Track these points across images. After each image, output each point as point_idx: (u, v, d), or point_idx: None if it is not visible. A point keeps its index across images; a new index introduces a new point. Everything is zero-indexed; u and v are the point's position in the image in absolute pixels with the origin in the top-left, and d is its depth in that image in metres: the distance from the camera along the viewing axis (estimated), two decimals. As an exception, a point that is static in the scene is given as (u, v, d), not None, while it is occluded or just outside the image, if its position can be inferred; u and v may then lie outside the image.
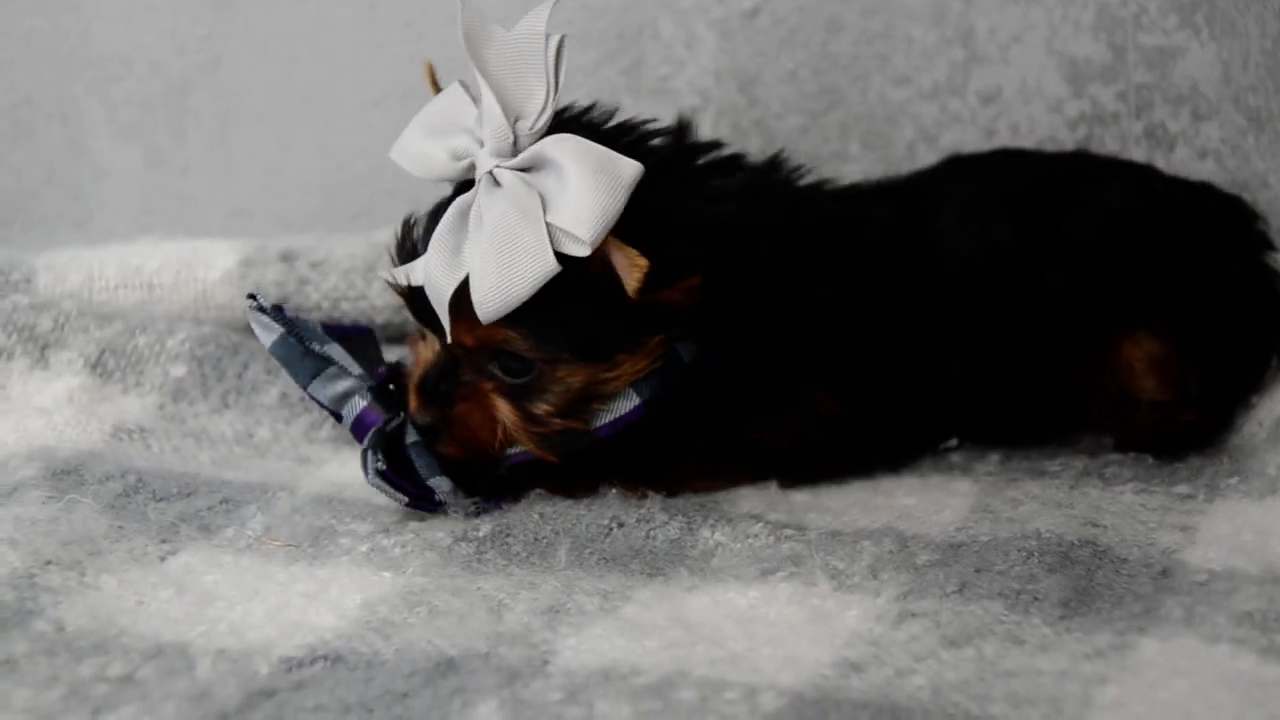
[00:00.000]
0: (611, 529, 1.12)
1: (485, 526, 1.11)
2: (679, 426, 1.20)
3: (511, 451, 1.17)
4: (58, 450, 1.25)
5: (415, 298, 1.16)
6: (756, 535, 1.09)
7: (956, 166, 1.40)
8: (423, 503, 1.15)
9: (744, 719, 0.83)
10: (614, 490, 1.17)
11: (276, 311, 1.22)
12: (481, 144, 1.13)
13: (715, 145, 1.24)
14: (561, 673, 0.88)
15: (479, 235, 1.09)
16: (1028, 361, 1.29)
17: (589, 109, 1.20)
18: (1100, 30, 1.56)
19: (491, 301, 1.08)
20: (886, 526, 1.11)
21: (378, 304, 1.49)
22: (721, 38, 1.61)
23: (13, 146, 1.74)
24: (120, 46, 1.71)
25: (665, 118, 1.25)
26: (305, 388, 1.20)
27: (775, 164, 1.28)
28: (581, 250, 1.07)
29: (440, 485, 1.15)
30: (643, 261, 1.08)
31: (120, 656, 0.90)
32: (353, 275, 1.49)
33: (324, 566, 1.06)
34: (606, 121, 1.19)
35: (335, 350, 1.21)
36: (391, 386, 1.21)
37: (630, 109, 1.60)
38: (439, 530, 1.11)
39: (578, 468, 1.18)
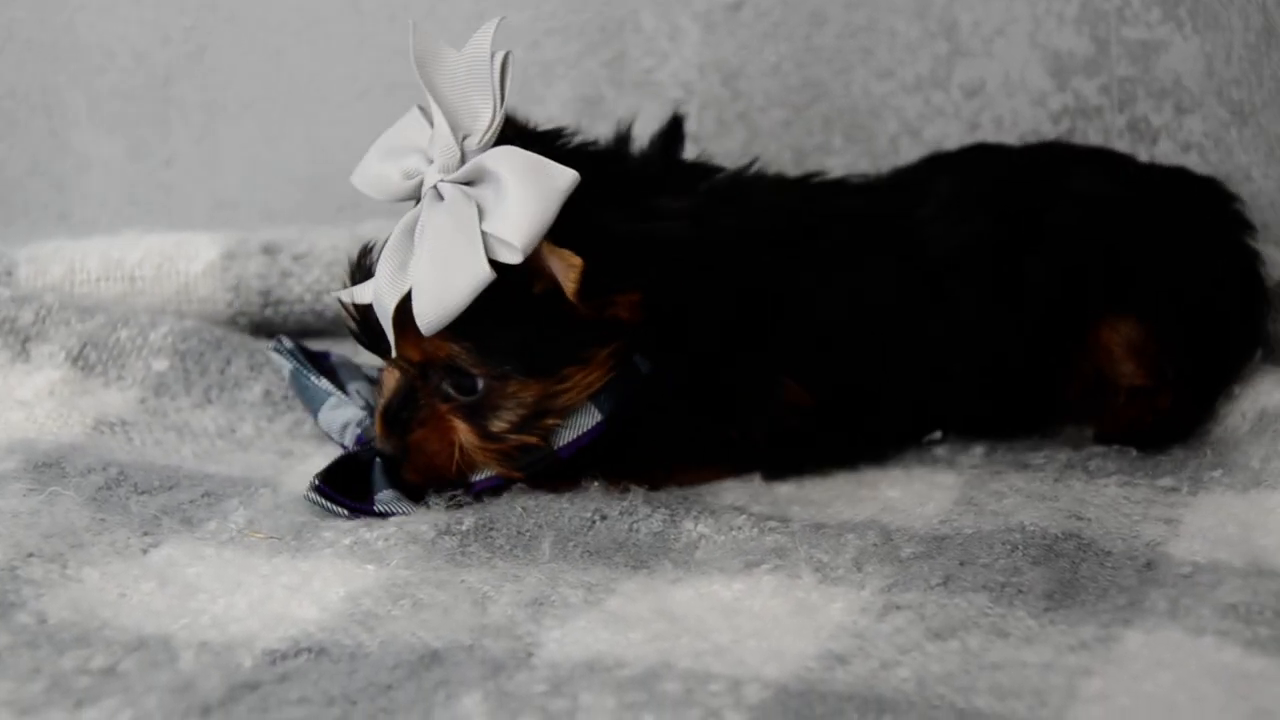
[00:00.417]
0: (595, 522, 1.11)
1: (469, 519, 1.11)
2: (651, 426, 1.20)
3: (477, 478, 1.17)
4: (38, 443, 1.25)
5: (363, 320, 1.16)
6: (740, 528, 1.09)
7: (934, 162, 1.40)
8: (362, 514, 1.15)
9: (729, 711, 0.82)
10: (596, 484, 1.17)
11: (296, 349, 1.32)
12: (431, 162, 1.13)
13: (671, 158, 1.26)
14: (546, 665, 0.88)
15: (421, 249, 1.10)
16: (1007, 350, 1.28)
17: (552, 131, 1.21)
18: (1083, 24, 1.56)
19: (430, 313, 1.08)
20: (871, 519, 1.12)
21: (361, 297, 1.49)
22: (705, 30, 1.61)
23: (-5, 138, 1.74)
24: (104, 38, 1.70)
25: (648, 111, 1.26)
26: (315, 417, 1.28)
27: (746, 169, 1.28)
28: (514, 257, 1.08)
29: (384, 498, 1.16)
30: (577, 261, 1.08)
31: (103, 649, 0.90)
32: (335, 268, 1.49)
33: (307, 559, 1.05)
34: (558, 138, 1.20)
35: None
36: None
37: (613, 101, 1.62)
38: (422, 523, 1.11)
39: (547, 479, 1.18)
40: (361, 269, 1.18)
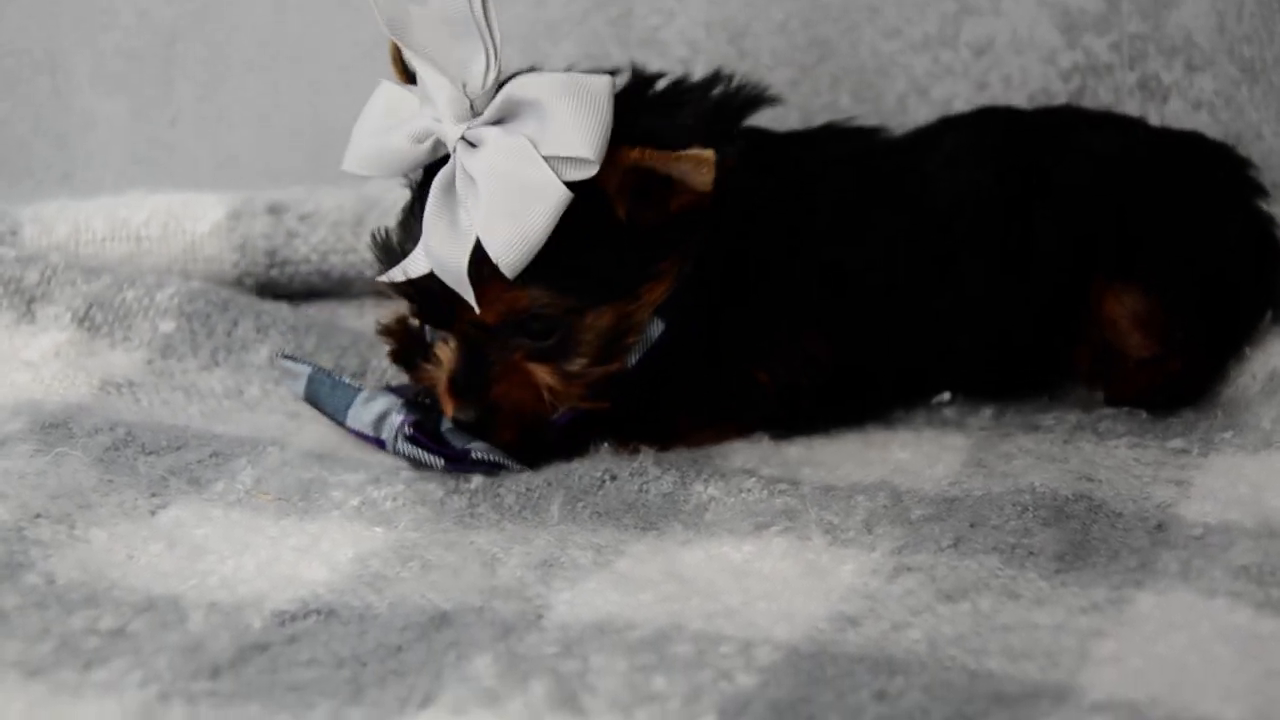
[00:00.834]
0: (604, 482, 1.11)
1: (476, 479, 1.11)
2: (673, 367, 1.19)
3: (554, 417, 1.16)
4: (45, 404, 1.24)
5: (421, 295, 1.14)
6: (750, 490, 1.09)
7: (946, 122, 1.39)
8: (458, 464, 1.13)
9: (740, 673, 0.82)
10: (605, 445, 1.17)
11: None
12: (439, 120, 1.11)
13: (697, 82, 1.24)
14: (556, 626, 0.88)
15: (474, 197, 1.08)
16: (1015, 310, 1.28)
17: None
18: (1094, -19, 1.55)
19: (512, 251, 1.07)
20: (880, 480, 1.11)
21: (367, 257, 1.47)
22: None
23: (-2, 98, 1.73)
24: (107, -4, 1.69)
25: (655, 68, 1.25)
26: (344, 423, 1.20)
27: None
28: (589, 170, 1.07)
29: (478, 447, 1.14)
30: (709, 154, 1.08)
31: (111, 609, 0.90)
32: (341, 228, 1.48)
33: (315, 520, 1.05)
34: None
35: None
36: (427, 400, 1.18)
37: (619, 60, 1.61)
38: (430, 483, 1.11)
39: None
40: (389, 250, 1.16)
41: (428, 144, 1.12)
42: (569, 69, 1.18)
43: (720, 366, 1.22)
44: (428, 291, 1.12)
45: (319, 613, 0.91)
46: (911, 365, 1.27)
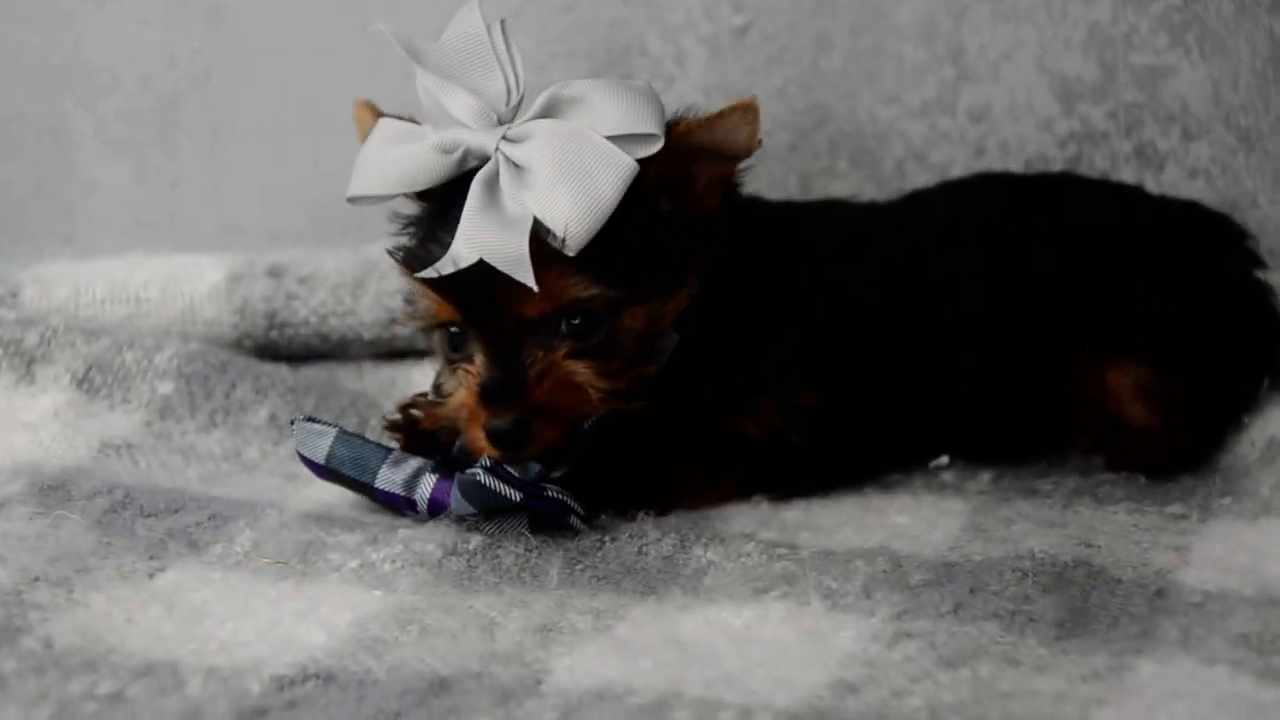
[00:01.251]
0: (603, 544, 1.11)
1: (475, 539, 1.11)
2: (664, 417, 1.18)
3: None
4: (44, 466, 1.24)
5: (462, 291, 1.12)
6: (749, 554, 1.09)
7: (943, 187, 1.40)
8: (536, 500, 1.11)
9: (740, 740, 0.82)
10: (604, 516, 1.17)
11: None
12: (468, 131, 1.12)
13: None
14: (555, 692, 0.88)
15: (523, 185, 1.08)
16: (1011, 376, 1.28)
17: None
18: (1091, 49, 1.56)
19: (579, 222, 1.06)
20: (880, 545, 1.11)
21: (366, 319, 1.49)
22: (711, 54, 1.61)
23: (1, 160, 1.73)
24: (111, 60, 1.70)
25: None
26: (374, 484, 1.15)
27: None
28: (654, 145, 1.09)
29: (548, 486, 1.12)
30: (750, 99, 1.12)
31: (109, 674, 0.89)
32: (341, 290, 1.49)
33: (314, 584, 1.05)
34: None
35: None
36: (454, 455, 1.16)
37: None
38: (429, 543, 1.10)
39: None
40: (417, 254, 1.14)
41: (456, 155, 1.12)
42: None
43: (711, 419, 1.22)
44: (468, 287, 1.11)
45: (318, 678, 0.90)
46: (907, 427, 1.27)
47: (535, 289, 1.07)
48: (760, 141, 1.15)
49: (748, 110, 1.12)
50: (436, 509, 1.14)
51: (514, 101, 1.13)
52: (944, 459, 1.30)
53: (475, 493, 1.11)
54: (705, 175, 1.16)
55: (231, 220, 1.70)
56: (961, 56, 1.58)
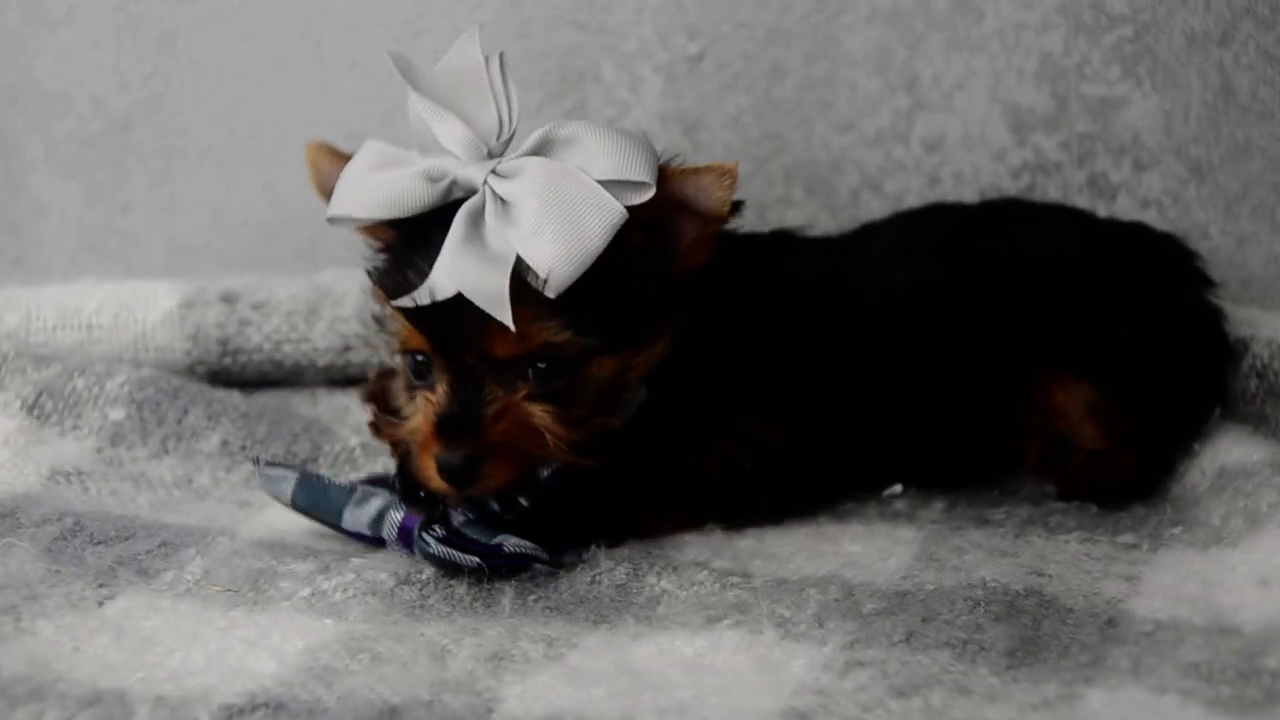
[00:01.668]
0: (556, 572, 1.11)
1: (428, 569, 1.10)
2: (625, 462, 1.18)
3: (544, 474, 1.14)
4: (-8, 493, 1.23)
5: (435, 322, 1.10)
6: (702, 583, 1.09)
7: (895, 218, 1.41)
8: (494, 559, 1.10)
9: (692, 770, 0.82)
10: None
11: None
12: (457, 161, 1.11)
13: None
14: (506, 721, 0.88)
15: (507, 222, 1.07)
16: (962, 400, 1.29)
17: None
18: (1043, 80, 1.57)
19: (562, 265, 1.05)
20: (832, 574, 1.11)
21: (320, 346, 1.48)
22: (666, 82, 1.62)
23: (-50, 183, 1.72)
24: (62, 83, 1.69)
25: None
26: (339, 525, 1.16)
27: None
28: (646, 193, 1.07)
29: (507, 540, 1.10)
30: (731, 165, 1.10)
31: (57, 703, 0.89)
32: (295, 317, 1.48)
33: (265, 612, 1.04)
34: None
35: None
36: (422, 493, 1.14)
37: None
38: (382, 572, 1.10)
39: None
40: (395, 278, 1.13)
41: (443, 184, 1.11)
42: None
43: (672, 454, 1.21)
44: (441, 318, 1.09)
45: (267, 706, 0.90)
46: (860, 455, 1.28)
47: (511, 328, 1.06)
48: (739, 205, 1.13)
49: (724, 174, 1.11)
50: (407, 538, 1.13)
51: (505, 135, 1.12)
52: (897, 487, 1.30)
53: (433, 560, 1.10)
54: (691, 233, 1.14)
55: (183, 244, 1.70)
56: (915, 86, 1.59)
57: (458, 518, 1.12)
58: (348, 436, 1.38)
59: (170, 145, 1.69)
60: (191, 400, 1.38)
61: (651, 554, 1.15)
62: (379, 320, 1.21)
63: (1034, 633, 1.00)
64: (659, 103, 1.62)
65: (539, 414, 1.12)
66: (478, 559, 1.09)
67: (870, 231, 1.38)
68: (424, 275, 1.09)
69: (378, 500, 1.15)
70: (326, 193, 1.18)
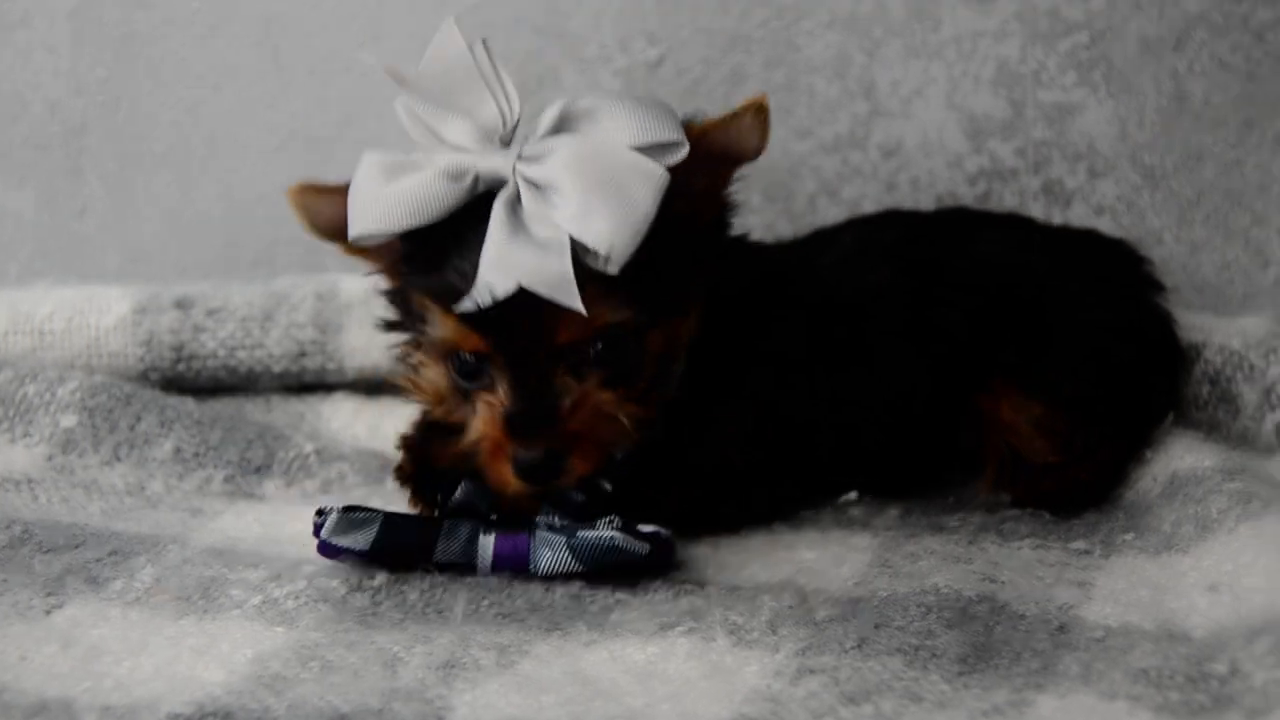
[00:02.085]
0: (510, 580, 1.10)
1: (380, 576, 1.10)
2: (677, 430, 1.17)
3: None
4: (-59, 500, 1.23)
5: (493, 320, 1.08)
6: (656, 590, 1.08)
7: (847, 224, 1.40)
8: (664, 546, 1.09)
9: (640, 778, 0.82)
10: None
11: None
12: (473, 155, 1.09)
13: None
14: (456, 730, 0.87)
15: (547, 204, 1.05)
16: (913, 409, 1.29)
17: None
18: (1000, 86, 1.57)
19: (619, 237, 1.04)
20: (786, 581, 1.11)
21: (275, 352, 1.48)
22: (626, 87, 1.62)
23: (-97, 188, 1.71)
24: (17, 86, 1.68)
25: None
26: (435, 559, 1.10)
27: None
28: (680, 153, 1.06)
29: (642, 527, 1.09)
30: (761, 97, 1.10)
31: (1, 713, 0.88)
32: (250, 323, 1.48)
33: (215, 620, 1.04)
34: None
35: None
36: (493, 516, 1.12)
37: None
38: (333, 579, 1.09)
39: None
40: (443, 281, 1.10)
41: (467, 181, 1.08)
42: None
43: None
44: (497, 314, 1.07)
45: (215, 715, 0.89)
46: (814, 462, 1.27)
47: (582, 312, 1.04)
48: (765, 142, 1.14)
49: (760, 110, 1.11)
50: (507, 558, 1.10)
51: (511, 123, 1.10)
52: (852, 494, 1.30)
53: (601, 554, 1.08)
54: (702, 183, 1.13)
55: (139, 250, 1.69)
56: (873, 92, 1.59)
57: (543, 522, 1.10)
58: (302, 443, 1.37)
59: (126, 150, 1.68)
60: (144, 407, 1.37)
61: (605, 562, 1.14)
62: (399, 324, 1.19)
63: (986, 639, 1.00)
64: (617, 108, 1.62)
65: (609, 398, 1.11)
66: (649, 545, 1.08)
67: (823, 237, 1.38)
68: (467, 274, 1.07)
69: (464, 529, 1.11)
70: (323, 230, 1.17)
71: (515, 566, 1.10)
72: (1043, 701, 0.91)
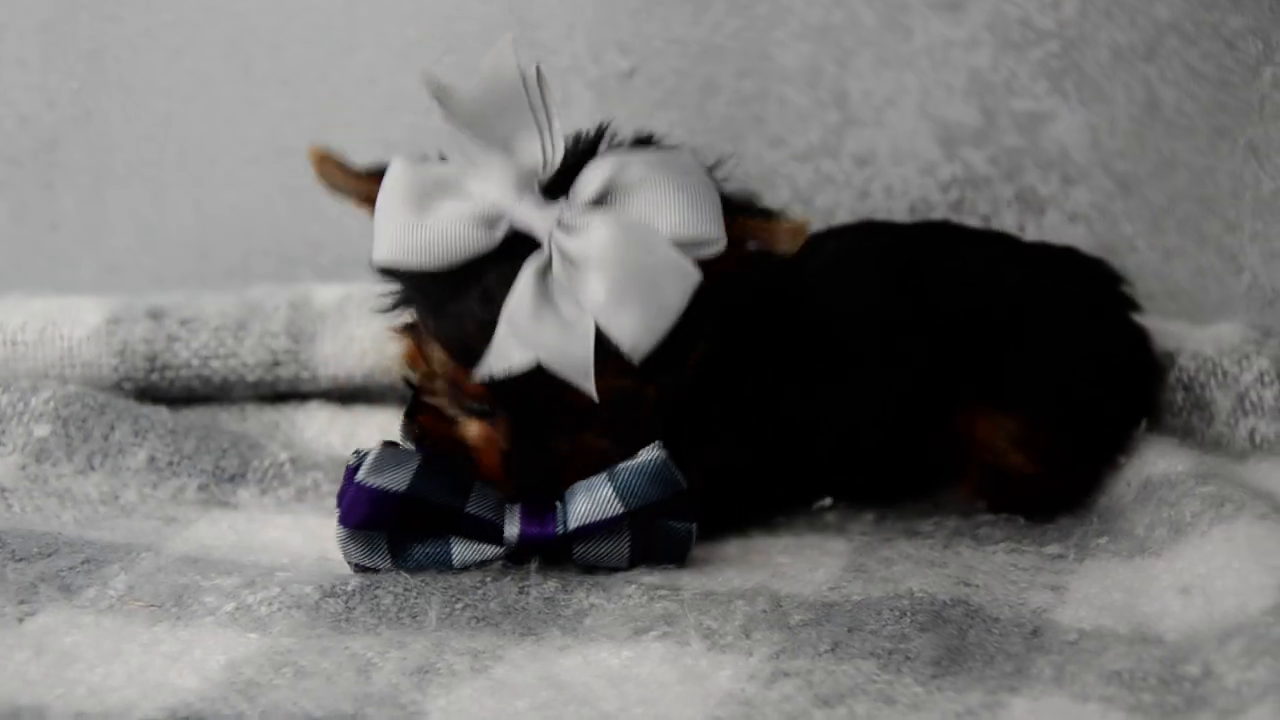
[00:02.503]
0: (484, 583, 1.10)
1: (353, 580, 1.10)
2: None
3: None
4: (-87, 510, 1.22)
5: (507, 389, 1.09)
6: (630, 595, 1.08)
7: (827, 233, 1.40)
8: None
9: (614, 780, 0.82)
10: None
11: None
12: (509, 203, 1.08)
13: None
14: (430, 734, 0.87)
15: (577, 281, 1.05)
16: (890, 422, 1.29)
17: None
18: (972, 95, 1.58)
19: (645, 340, 1.05)
20: (760, 585, 1.11)
21: (249, 361, 1.48)
22: (598, 97, 1.62)
23: (-124, 201, 1.71)
24: (-12, 100, 1.68)
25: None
26: (465, 509, 1.11)
27: None
28: (716, 248, 1.07)
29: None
30: (804, 220, 1.12)
31: (-26, 721, 0.88)
32: (223, 333, 1.47)
33: (188, 627, 1.03)
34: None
35: None
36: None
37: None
38: (307, 585, 1.09)
39: None
40: (455, 325, 1.10)
41: (499, 231, 1.08)
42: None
43: None
44: (512, 390, 1.08)
45: (188, 721, 0.89)
46: (792, 471, 1.28)
47: (594, 395, 1.06)
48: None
49: (800, 233, 1.12)
50: (532, 529, 1.11)
51: (552, 168, 1.09)
52: (828, 500, 1.31)
53: (646, 483, 1.10)
54: (724, 265, 1.12)
55: (112, 262, 1.69)
56: (845, 101, 1.60)
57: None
58: (277, 451, 1.37)
59: (98, 163, 1.68)
60: (118, 416, 1.37)
61: (583, 570, 1.14)
62: (411, 334, 1.19)
63: (960, 642, 1.00)
64: (590, 118, 1.59)
65: (604, 444, 1.12)
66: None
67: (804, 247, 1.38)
68: (479, 321, 1.07)
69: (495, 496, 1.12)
70: (332, 190, 1.16)
71: (544, 531, 1.11)
72: (1016, 704, 0.91)
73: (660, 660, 0.98)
